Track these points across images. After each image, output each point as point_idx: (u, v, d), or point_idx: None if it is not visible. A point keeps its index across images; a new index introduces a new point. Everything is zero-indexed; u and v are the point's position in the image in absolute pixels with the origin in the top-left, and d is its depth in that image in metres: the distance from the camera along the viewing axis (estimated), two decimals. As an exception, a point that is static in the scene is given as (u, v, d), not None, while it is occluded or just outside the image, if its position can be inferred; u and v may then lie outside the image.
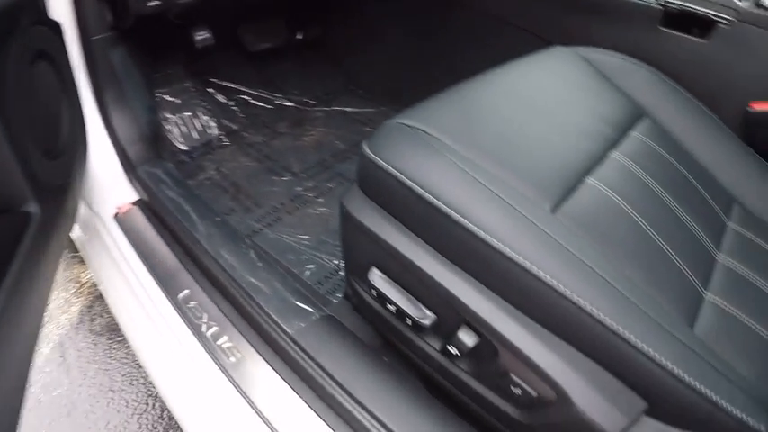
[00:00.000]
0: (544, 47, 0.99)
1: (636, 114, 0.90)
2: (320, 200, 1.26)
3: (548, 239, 0.58)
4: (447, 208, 0.59)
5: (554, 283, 0.56)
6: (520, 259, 0.57)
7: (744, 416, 0.55)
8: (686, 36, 1.07)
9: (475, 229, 0.58)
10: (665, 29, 1.08)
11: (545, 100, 0.82)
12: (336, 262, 1.10)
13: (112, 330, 1.30)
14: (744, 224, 0.83)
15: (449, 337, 0.66)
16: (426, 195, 0.60)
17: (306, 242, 1.15)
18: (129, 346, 1.26)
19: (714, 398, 0.55)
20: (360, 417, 0.70)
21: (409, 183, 0.62)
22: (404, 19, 1.53)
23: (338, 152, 1.41)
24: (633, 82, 0.96)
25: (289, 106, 1.57)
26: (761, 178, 0.92)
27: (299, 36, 1.69)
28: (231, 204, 1.23)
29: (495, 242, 0.57)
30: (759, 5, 0.99)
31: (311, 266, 1.09)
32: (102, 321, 1.32)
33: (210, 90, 1.52)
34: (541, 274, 0.56)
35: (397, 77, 1.55)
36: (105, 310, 1.35)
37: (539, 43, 0.99)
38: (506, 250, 0.57)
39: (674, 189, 0.78)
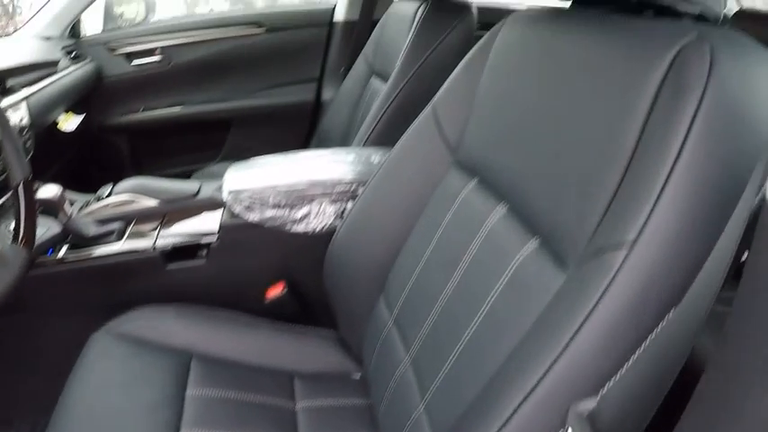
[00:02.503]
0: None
1: (183, 365, 0.97)
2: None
3: None
4: None
5: None
6: None
7: None
8: (191, 263, 1.23)
9: None
10: (172, 265, 1.22)
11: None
12: None
13: None
14: (306, 394, 0.98)
15: None
16: None
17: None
18: None
19: None
20: None
21: None
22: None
23: None
24: (166, 330, 1.04)
25: None
26: (302, 339, 1.12)
27: None
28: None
29: None
30: (233, 215, 1.21)
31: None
32: None
33: None
34: None
35: None
36: None
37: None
38: None
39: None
